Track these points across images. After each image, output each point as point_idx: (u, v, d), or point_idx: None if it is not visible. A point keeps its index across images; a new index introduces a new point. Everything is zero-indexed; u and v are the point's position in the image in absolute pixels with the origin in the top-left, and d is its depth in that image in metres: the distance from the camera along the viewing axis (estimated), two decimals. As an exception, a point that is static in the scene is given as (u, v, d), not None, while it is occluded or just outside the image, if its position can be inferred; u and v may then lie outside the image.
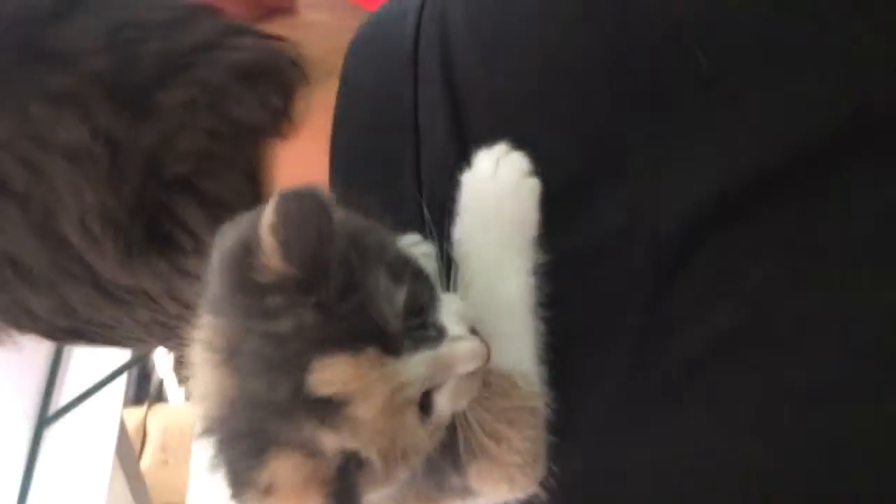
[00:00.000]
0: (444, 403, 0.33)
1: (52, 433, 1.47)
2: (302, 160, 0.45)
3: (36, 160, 0.41)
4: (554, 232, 0.36)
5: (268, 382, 0.30)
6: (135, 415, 2.01)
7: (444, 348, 0.32)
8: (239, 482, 0.31)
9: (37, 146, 0.41)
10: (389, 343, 0.31)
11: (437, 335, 0.32)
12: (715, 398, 0.32)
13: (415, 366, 0.31)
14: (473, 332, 0.33)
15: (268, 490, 0.30)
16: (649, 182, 0.35)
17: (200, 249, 0.40)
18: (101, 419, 1.54)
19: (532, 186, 0.37)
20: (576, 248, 0.36)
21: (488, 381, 0.34)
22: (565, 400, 0.35)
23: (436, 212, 0.38)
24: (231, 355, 0.31)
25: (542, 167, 0.37)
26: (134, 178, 0.42)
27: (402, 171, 0.41)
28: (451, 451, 0.34)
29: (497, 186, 0.37)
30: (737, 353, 0.32)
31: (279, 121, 0.45)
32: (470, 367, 0.32)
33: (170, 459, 1.97)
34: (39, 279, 0.43)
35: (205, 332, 0.32)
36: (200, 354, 0.32)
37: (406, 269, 0.33)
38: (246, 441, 0.31)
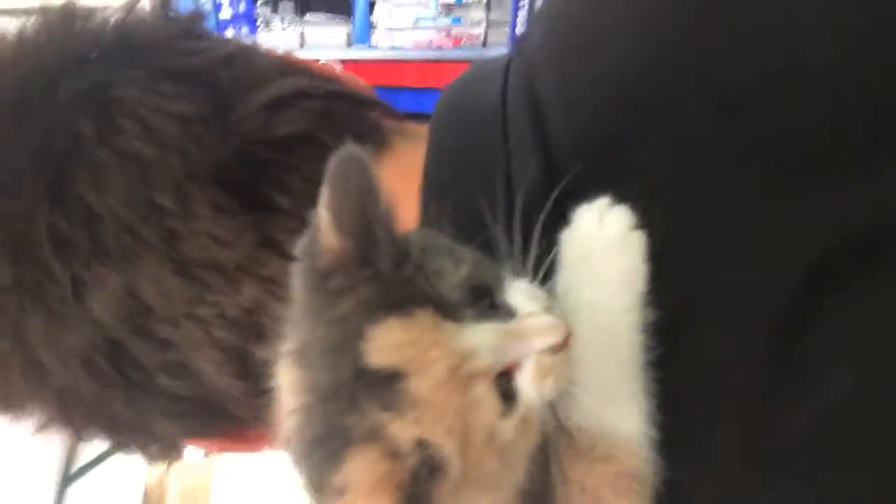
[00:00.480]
0: (528, 390, 0.31)
1: (74, 491, 1.45)
2: (395, 177, 0.46)
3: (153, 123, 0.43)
4: (661, 289, 0.36)
5: (333, 367, 0.30)
6: (154, 472, 1.98)
7: (515, 321, 0.31)
8: (318, 489, 0.30)
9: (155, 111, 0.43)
10: (446, 309, 0.30)
11: (507, 312, 0.31)
12: (839, 466, 0.32)
13: (479, 333, 0.30)
14: (550, 311, 0.32)
15: (341, 491, 0.29)
16: (761, 238, 0.35)
17: (293, 216, 0.41)
18: (123, 477, 1.52)
19: (638, 240, 0.36)
20: (685, 306, 0.35)
21: (593, 443, 0.33)
22: (675, 467, 0.34)
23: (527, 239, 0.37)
24: (303, 354, 0.31)
25: (646, 220, 0.36)
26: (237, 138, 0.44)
27: (490, 202, 0.41)
28: None
29: (602, 241, 0.36)
30: (856, 423, 0.32)
31: (380, 136, 0.48)
32: (545, 341, 0.31)
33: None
34: (115, 253, 0.42)
35: (286, 343, 0.32)
36: (283, 365, 0.32)
37: (471, 257, 0.32)
38: (320, 445, 0.30)
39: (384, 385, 0.29)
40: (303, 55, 1.70)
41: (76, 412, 0.45)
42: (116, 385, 0.43)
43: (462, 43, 1.72)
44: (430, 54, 1.74)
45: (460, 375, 0.29)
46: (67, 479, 1.33)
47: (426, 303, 0.30)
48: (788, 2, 0.37)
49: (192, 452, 2.42)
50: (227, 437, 0.49)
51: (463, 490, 0.30)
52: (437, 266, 0.31)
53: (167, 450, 0.50)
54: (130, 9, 0.48)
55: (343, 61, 1.71)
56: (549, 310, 0.32)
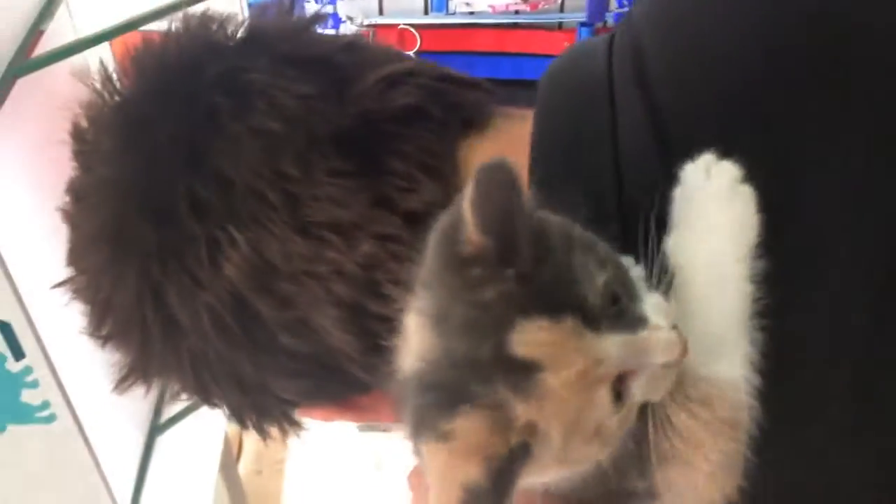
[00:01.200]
0: (638, 393, 0.33)
1: (162, 441, 1.53)
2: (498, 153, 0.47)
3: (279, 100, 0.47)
4: (770, 239, 0.36)
5: (472, 343, 0.32)
6: (233, 427, 2.06)
7: (643, 334, 0.32)
8: (421, 425, 0.33)
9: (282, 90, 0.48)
10: (589, 317, 0.32)
11: (636, 322, 0.33)
12: None
13: (612, 344, 0.32)
14: (675, 328, 0.33)
15: (444, 437, 0.31)
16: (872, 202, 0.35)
17: (405, 178, 0.45)
18: (207, 429, 1.59)
19: (747, 192, 0.36)
20: (794, 256, 0.36)
21: (695, 386, 0.34)
22: (777, 417, 0.35)
23: (639, 220, 0.38)
24: (440, 321, 0.33)
25: (751, 173, 0.37)
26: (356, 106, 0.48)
27: (601, 175, 0.41)
28: (640, 453, 0.34)
29: (711, 195, 0.36)
30: None
31: (483, 115, 0.51)
32: (665, 357, 0.32)
33: (264, 470, 2.02)
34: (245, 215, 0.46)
35: (418, 300, 0.35)
36: (413, 319, 0.35)
37: (609, 259, 0.34)
38: (439, 392, 0.33)
39: (521, 372, 0.31)
40: (381, 21, 1.70)
41: (207, 375, 0.50)
42: (242, 345, 0.47)
43: (539, 7, 1.70)
44: (507, 20, 1.72)
45: (589, 379, 0.31)
46: (156, 429, 1.40)
47: (575, 311, 0.32)
48: None
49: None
50: (341, 403, 0.53)
51: (550, 468, 0.33)
52: (582, 266, 0.33)
53: (284, 417, 0.54)
54: (261, 13, 0.55)
55: (420, 27, 1.71)
56: (675, 326, 0.33)
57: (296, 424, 0.55)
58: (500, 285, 0.32)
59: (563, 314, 0.31)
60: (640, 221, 0.37)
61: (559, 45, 1.72)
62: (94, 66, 0.55)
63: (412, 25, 1.71)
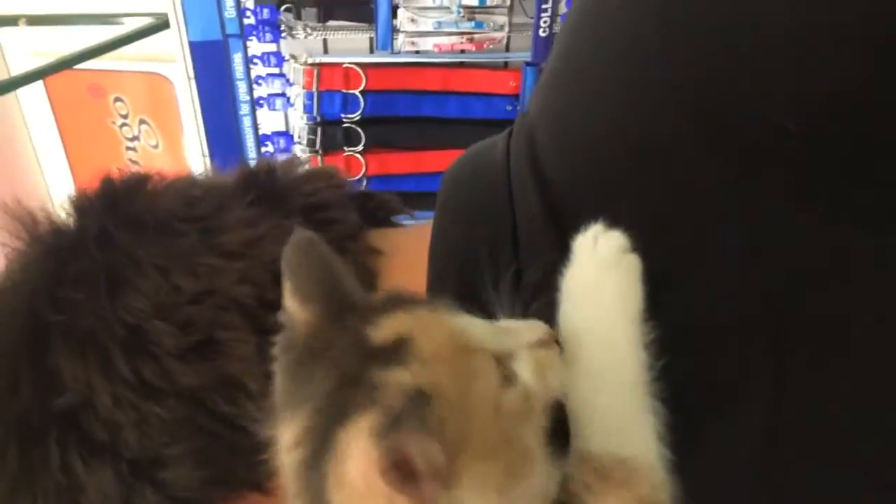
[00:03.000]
0: (527, 377, 0.34)
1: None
2: (405, 251, 0.50)
3: None
4: (658, 308, 0.36)
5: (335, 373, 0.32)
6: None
7: (499, 322, 0.35)
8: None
9: None
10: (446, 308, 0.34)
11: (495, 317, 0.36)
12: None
13: (473, 322, 0.34)
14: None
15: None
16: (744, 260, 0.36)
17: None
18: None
19: (633, 261, 0.37)
20: (682, 324, 0.36)
21: (610, 469, 0.33)
22: (692, 481, 0.34)
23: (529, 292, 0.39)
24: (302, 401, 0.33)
25: (640, 245, 0.38)
26: None
27: (498, 259, 0.42)
28: None
29: (597, 263, 0.37)
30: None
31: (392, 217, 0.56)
32: (531, 336, 0.34)
33: None
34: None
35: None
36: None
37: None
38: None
39: (391, 351, 0.31)
40: (326, 61, 1.69)
41: None
42: None
43: (485, 47, 1.72)
44: (453, 58, 1.74)
45: (459, 343, 0.32)
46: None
47: (426, 302, 0.35)
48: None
49: None
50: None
51: (474, 463, 0.31)
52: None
53: None
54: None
55: (366, 66, 1.71)
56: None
57: None
58: (345, 333, 0.33)
59: (417, 305, 0.34)
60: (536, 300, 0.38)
61: (505, 83, 1.74)
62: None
63: (357, 64, 1.71)
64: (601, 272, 0.37)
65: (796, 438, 0.35)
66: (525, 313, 0.38)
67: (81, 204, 0.48)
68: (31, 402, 0.43)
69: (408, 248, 0.50)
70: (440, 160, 1.79)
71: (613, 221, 0.38)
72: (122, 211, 0.47)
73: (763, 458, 0.35)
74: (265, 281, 0.43)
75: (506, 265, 0.41)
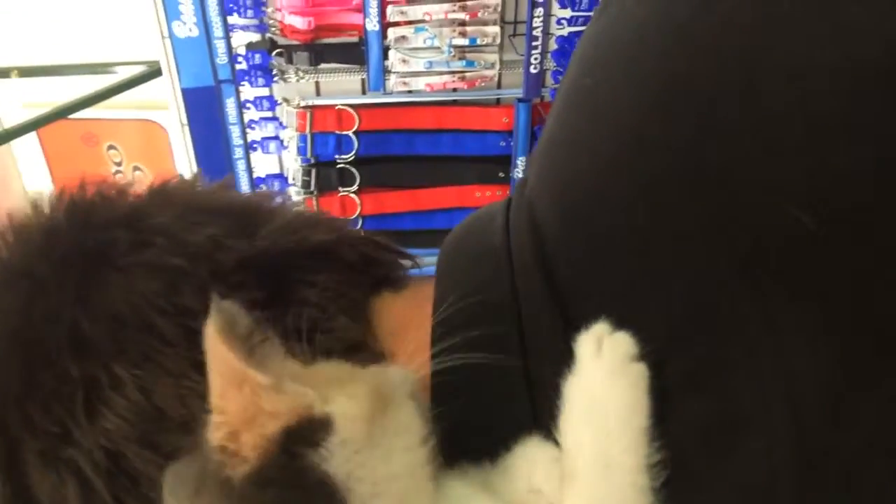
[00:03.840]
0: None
1: None
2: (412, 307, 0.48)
3: None
4: (667, 420, 0.34)
5: None
6: None
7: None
8: None
9: None
10: None
11: None
12: None
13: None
14: None
15: None
16: (767, 364, 0.34)
17: (323, 312, 0.44)
18: None
19: (640, 371, 0.34)
20: (689, 441, 0.34)
21: None
22: None
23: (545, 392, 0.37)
24: None
25: (646, 347, 0.35)
26: None
27: (506, 343, 0.41)
28: None
29: (602, 371, 0.34)
30: None
31: (398, 276, 0.52)
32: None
33: None
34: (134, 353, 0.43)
35: None
36: None
37: None
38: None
39: None
40: (319, 103, 1.70)
41: None
42: None
43: (476, 85, 1.72)
44: (445, 97, 1.75)
45: None
46: None
47: None
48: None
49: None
50: None
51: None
52: None
53: None
54: (165, 181, 0.52)
55: (358, 107, 1.72)
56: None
57: None
58: None
59: None
60: (545, 394, 0.36)
61: (498, 120, 1.74)
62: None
63: (350, 105, 1.72)
64: (605, 382, 0.34)
65: None
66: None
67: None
68: None
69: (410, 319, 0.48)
70: (436, 197, 1.79)
71: (623, 313, 0.36)
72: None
73: None
74: None
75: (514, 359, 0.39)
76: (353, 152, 1.73)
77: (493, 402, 0.40)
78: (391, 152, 1.77)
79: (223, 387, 0.34)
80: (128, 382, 0.40)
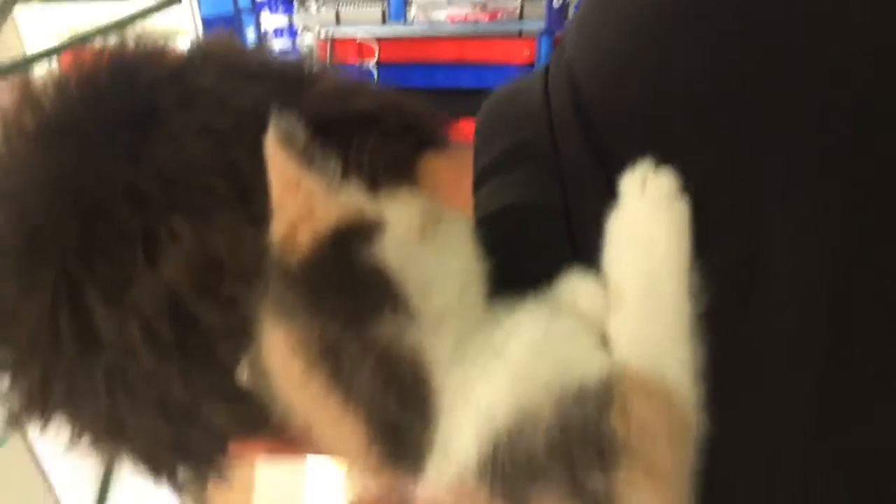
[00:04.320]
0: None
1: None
2: (455, 169, 0.49)
3: None
4: (706, 253, 0.35)
5: None
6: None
7: None
8: None
9: None
10: None
11: None
12: None
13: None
14: None
15: None
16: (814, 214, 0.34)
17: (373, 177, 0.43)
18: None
19: (682, 208, 0.35)
20: (734, 271, 0.35)
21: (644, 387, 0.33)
22: (729, 427, 0.34)
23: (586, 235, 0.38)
24: None
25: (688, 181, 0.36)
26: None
27: (547, 190, 0.42)
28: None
29: (646, 208, 0.36)
30: None
31: (438, 137, 0.54)
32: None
33: None
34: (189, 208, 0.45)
35: None
36: None
37: None
38: None
39: None
40: (339, 32, 1.68)
41: (125, 399, 0.45)
42: (174, 358, 0.43)
43: (498, 17, 1.70)
44: (466, 29, 1.73)
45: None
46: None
47: None
48: None
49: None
50: (282, 437, 0.46)
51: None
52: None
53: (209, 462, 0.50)
54: (205, 41, 0.53)
55: (379, 38, 1.71)
56: None
57: (220, 473, 0.51)
58: None
59: None
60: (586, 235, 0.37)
61: (520, 53, 1.72)
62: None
63: (370, 37, 1.71)
64: (649, 218, 0.35)
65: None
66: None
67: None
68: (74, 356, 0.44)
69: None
70: (456, 131, 1.78)
71: (666, 160, 0.36)
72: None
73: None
74: None
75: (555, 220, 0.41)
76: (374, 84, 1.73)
77: (535, 248, 0.41)
78: (411, 84, 1.77)
79: (281, 189, 0.38)
80: (185, 234, 0.42)
